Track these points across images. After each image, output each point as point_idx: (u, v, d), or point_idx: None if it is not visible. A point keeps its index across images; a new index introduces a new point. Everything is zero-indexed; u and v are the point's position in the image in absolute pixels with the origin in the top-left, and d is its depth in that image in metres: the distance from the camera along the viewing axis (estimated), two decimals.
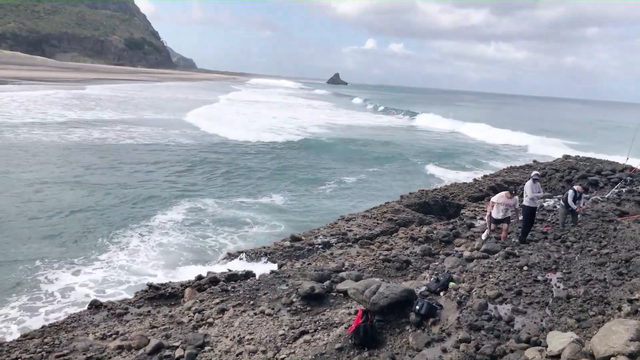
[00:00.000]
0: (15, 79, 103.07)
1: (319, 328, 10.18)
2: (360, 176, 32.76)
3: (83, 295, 14.07)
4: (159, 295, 12.87)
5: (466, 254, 12.44)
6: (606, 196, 18.33)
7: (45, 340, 10.24)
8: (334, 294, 11.87)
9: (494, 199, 14.28)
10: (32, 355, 9.57)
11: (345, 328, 9.58)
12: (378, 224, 18.61)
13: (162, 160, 34.45)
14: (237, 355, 9.36)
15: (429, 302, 9.18)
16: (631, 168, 22.02)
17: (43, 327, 11.33)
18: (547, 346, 4.85)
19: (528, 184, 13.39)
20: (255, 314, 11.11)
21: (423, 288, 10.21)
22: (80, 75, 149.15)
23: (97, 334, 10.67)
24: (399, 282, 12.35)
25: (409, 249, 15.33)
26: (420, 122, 76.99)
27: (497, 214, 14.05)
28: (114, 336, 10.52)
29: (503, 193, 14.21)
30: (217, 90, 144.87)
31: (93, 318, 11.73)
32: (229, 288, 12.70)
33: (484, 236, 14.57)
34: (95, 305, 12.25)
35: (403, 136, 57.84)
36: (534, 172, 14.47)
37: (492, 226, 14.36)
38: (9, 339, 11.32)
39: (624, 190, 18.84)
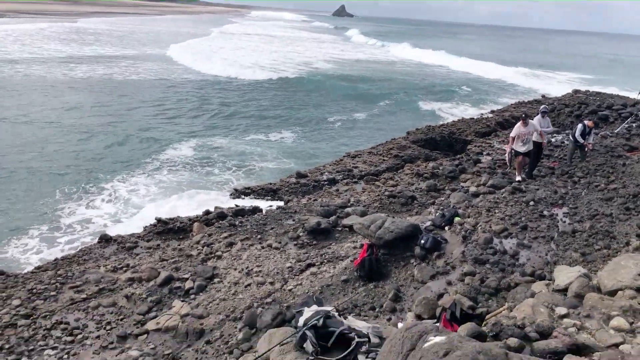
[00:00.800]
0: (10, 12, 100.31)
1: (325, 261, 10.37)
2: (364, 113, 32.34)
3: (93, 229, 14.31)
4: (168, 230, 13.06)
5: (472, 189, 12.43)
6: (616, 131, 18.09)
7: (59, 272, 10.50)
8: (340, 228, 12.01)
9: (512, 133, 13.55)
10: (46, 286, 9.84)
11: (351, 261, 9.76)
12: (384, 160, 18.54)
13: (170, 98, 34.06)
14: (245, 287, 9.60)
15: (434, 237, 9.28)
16: None
17: (56, 259, 11.60)
18: (553, 280, 4.90)
19: (536, 119, 13.18)
20: (263, 247, 11.31)
21: (428, 223, 10.28)
22: (78, 9, 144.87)
23: (108, 266, 10.93)
24: (404, 218, 12.46)
25: (414, 184, 15.34)
26: (421, 57, 74.71)
27: (521, 147, 13.26)
28: (124, 269, 10.77)
29: (518, 124, 13.45)
30: (216, 23, 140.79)
31: (103, 251, 11.98)
32: (237, 223, 12.86)
33: (518, 178, 13.37)
34: (105, 239, 12.48)
35: (405, 71, 56.45)
36: (543, 107, 14.19)
37: (520, 158, 13.40)
38: (22, 270, 11.66)
39: (634, 125, 18.56)
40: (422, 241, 9.13)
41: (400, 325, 4.86)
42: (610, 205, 9.95)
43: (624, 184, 10.99)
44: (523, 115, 13.80)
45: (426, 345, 2.32)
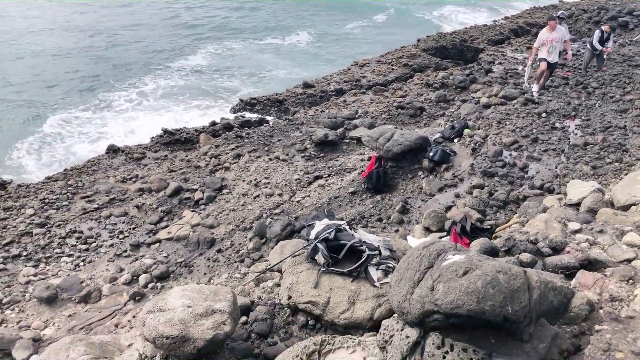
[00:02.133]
0: None
1: (332, 173, 10.40)
2: (372, 21, 30.98)
3: (99, 137, 14.33)
4: (175, 140, 13.02)
5: (483, 100, 12.13)
6: (635, 39, 17.34)
7: (69, 182, 10.62)
8: (347, 141, 11.93)
9: (536, 42, 12.05)
10: (58, 196, 9.99)
11: (359, 173, 9.77)
12: (393, 69, 18.03)
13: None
14: (254, 198, 9.71)
15: (443, 149, 9.19)
16: None
17: (65, 170, 11.69)
18: (565, 194, 4.87)
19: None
20: (270, 159, 11.30)
21: (437, 135, 10.15)
22: None
23: (118, 177, 11.02)
24: (412, 129, 12.30)
25: (423, 95, 15.01)
26: None
27: (549, 56, 11.75)
28: (133, 179, 10.87)
29: (544, 29, 11.89)
30: None
31: (112, 162, 12.03)
32: (243, 134, 12.78)
33: (535, 88, 12.09)
34: (112, 150, 12.49)
35: None
36: (560, 12, 13.45)
37: (544, 65, 11.86)
38: (32, 176, 11.85)
39: None
40: (431, 154, 9.06)
41: (409, 237, 4.92)
42: (624, 117, 9.73)
43: None
44: (555, 15, 12.22)
45: (445, 263, 2.31)
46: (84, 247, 8.54)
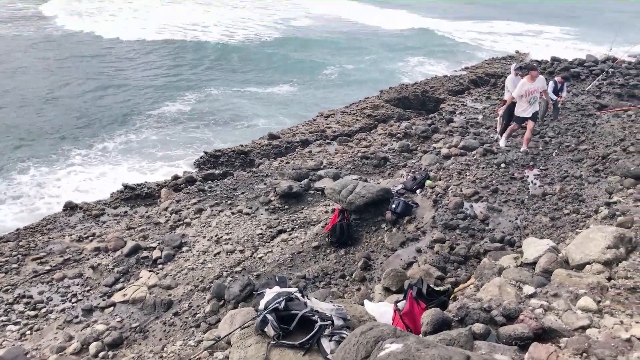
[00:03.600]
0: None
1: (296, 227, 10.24)
2: (332, 73, 31.60)
3: (58, 195, 13.87)
4: (135, 196, 12.71)
5: (444, 150, 12.31)
6: (587, 89, 18.08)
7: (20, 243, 10.15)
8: (312, 192, 11.84)
9: (515, 91, 10.99)
10: (7, 258, 9.52)
11: (322, 227, 9.63)
12: (357, 120, 18.27)
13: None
14: (214, 255, 9.43)
15: (405, 201, 9.17)
16: (614, 59, 21.59)
17: (17, 229, 11.18)
18: (522, 253, 4.83)
19: (510, 78, 12.93)
20: (233, 213, 11.09)
21: (400, 186, 10.16)
22: None
23: (74, 235, 10.61)
24: (376, 179, 12.33)
25: (387, 145, 15.18)
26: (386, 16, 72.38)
27: (524, 109, 10.91)
28: (90, 238, 10.48)
29: (524, 79, 10.94)
30: None
31: (69, 220, 11.60)
32: (206, 188, 12.56)
33: (502, 143, 11.60)
34: (70, 207, 12.07)
35: (372, 30, 54.80)
36: (515, 65, 13.93)
37: (515, 125, 11.36)
38: None
39: (604, 82, 18.55)
40: (393, 205, 9.02)
41: (366, 302, 4.76)
42: (580, 166, 9.96)
43: (594, 145, 10.99)
44: (533, 65, 11.66)
45: (381, 354, 2.16)
46: (32, 313, 8.07)
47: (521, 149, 11.07)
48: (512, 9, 73.77)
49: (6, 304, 8.22)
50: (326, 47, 39.06)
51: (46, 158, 16.12)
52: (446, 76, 24.46)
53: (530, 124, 11.10)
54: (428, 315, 3.37)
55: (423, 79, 24.81)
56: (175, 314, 7.68)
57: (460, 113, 17.35)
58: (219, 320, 7.03)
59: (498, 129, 12.67)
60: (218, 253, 9.42)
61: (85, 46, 34.02)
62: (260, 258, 9.17)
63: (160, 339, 7.14)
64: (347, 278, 7.74)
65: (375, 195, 9.16)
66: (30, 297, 8.44)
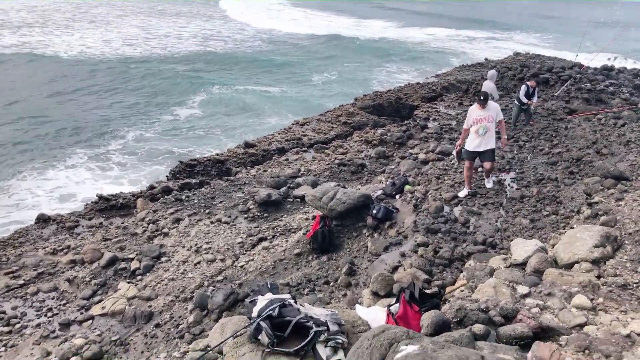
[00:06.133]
0: None
1: (277, 234, 10.15)
2: (309, 83, 31.75)
3: (30, 207, 13.49)
4: (110, 207, 12.44)
5: (421, 156, 12.43)
6: (556, 94, 18.54)
7: None
8: (291, 199, 11.78)
9: (466, 123, 9.20)
10: None
11: (304, 234, 9.58)
12: (332, 127, 18.31)
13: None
14: (195, 265, 9.27)
15: (386, 206, 9.21)
16: (581, 65, 22.20)
17: None
18: (511, 253, 4.89)
19: (486, 84, 13.13)
20: (212, 222, 10.94)
21: (379, 192, 10.21)
22: None
23: (47, 248, 10.31)
24: (354, 186, 12.34)
25: (363, 152, 15.24)
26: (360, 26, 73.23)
27: (474, 141, 9.00)
28: (65, 250, 10.19)
29: (472, 107, 9.18)
30: None
31: (42, 232, 11.27)
32: (183, 197, 12.38)
33: (461, 194, 9.36)
34: (43, 219, 11.73)
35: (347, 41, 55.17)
36: (492, 72, 14.13)
37: (468, 163, 9.28)
38: None
39: (572, 88, 19.06)
40: (374, 211, 9.04)
41: (357, 307, 4.74)
42: (555, 169, 10.17)
43: (567, 148, 11.26)
44: (481, 97, 8.91)
45: (398, 356, 2.14)
46: (6, 329, 7.80)
47: (486, 184, 9.59)
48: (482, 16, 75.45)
49: None
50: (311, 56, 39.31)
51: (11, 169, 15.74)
52: (419, 83, 24.76)
53: (487, 164, 9.29)
54: (428, 318, 3.36)
55: (397, 86, 25.07)
56: (157, 326, 7.51)
57: (434, 119, 17.56)
58: (203, 331, 6.91)
59: (456, 158, 10.40)
60: (198, 262, 9.27)
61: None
62: (242, 266, 9.06)
63: (142, 352, 6.96)
64: (332, 284, 7.70)
65: (356, 201, 9.17)
66: (4, 312, 8.16)
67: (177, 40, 42.98)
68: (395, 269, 7.12)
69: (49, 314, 8.23)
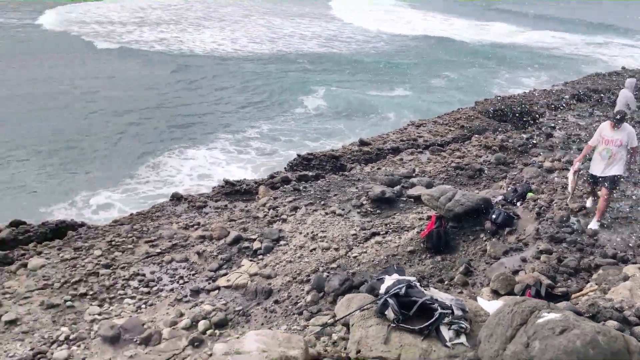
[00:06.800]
0: None
1: (390, 230, 10.34)
2: (430, 84, 31.53)
3: (162, 186, 14.99)
4: (235, 191, 13.38)
5: (547, 164, 11.93)
6: None
7: (134, 227, 11.01)
8: (404, 198, 11.90)
9: (592, 140, 8.39)
10: (124, 239, 10.37)
11: (417, 232, 9.67)
12: (450, 130, 18.06)
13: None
14: (310, 251, 9.75)
15: (506, 212, 9.03)
16: None
17: (131, 214, 12.15)
18: None
19: (623, 93, 12.21)
20: (327, 213, 11.39)
21: (499, 197, 10.01)
22: None
23: (180, 223, 11.35)
24: (472, 191, 12.17)
25: (482, 157, 14.89)
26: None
27: (596, 164, 8.21)
28: (195, 227, 11.17)
29: (603, 124, 8.31)
30: None
31: (175, 209, 12.43)
32: (301, 188, 12.98)
33: (588, 204, 8.86)
34: (176, 197, 12.94)
35: (473, 40, 53.74)
36: (631, 80, 13.01)
37: (590, 187, 8.74)
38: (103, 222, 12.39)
39: None
40: (494, 216, 8.90)
41: (479, 299, 4.80)
42: None
43: None
44: (617, 116, 7.94)
45: (540, 321, 2.27)
46: (145, 289, 8.74)
47: (590, 225, 8.26)
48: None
49: (123, 280, 8.96)
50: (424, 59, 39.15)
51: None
52: (545, 90, 23.58)
53: (604, 191, 8.13)
54: (561, 307, 3.39)
55: (520, 92, 24.09)
56: (276, 302, 8.05)
57: (561, 128, 16.70)
58: (319, 310, 7.31)
59: (569, 189, 9.08)
60: (314, 249, 9.73)
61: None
62: (354, 257, 9.37)
63: (263, 324, 7.52)
64: (446, 282, 7.75)
65: (475, 204, 9.10)
66: (144, 275, 9.14)
67: (301, 40, 44.61)
68: (515, 272, 7.01)
69: (180, 281, 9.10)
